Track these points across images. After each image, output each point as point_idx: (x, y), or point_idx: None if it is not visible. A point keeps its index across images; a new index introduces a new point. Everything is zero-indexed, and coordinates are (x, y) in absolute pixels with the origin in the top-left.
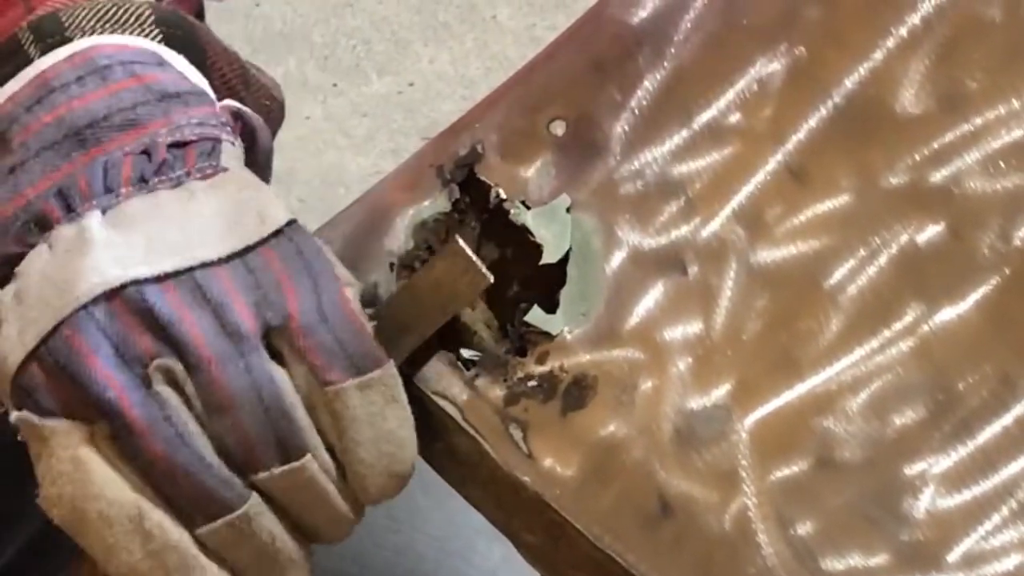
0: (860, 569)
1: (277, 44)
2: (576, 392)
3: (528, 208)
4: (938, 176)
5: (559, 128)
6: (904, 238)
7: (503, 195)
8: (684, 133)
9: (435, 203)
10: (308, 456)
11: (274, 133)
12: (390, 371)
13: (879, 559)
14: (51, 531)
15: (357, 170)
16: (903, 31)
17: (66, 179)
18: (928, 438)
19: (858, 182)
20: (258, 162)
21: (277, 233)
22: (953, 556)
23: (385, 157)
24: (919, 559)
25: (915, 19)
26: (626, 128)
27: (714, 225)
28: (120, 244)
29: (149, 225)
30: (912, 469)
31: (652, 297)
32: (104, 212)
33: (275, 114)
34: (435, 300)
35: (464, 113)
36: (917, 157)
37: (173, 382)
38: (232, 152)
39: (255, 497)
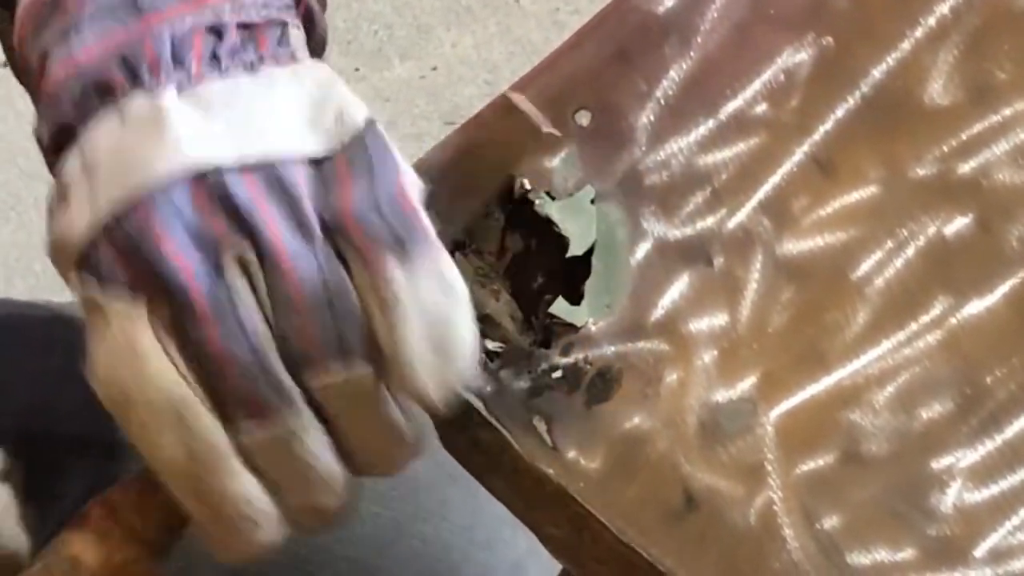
0: (886, 564)
1: None
2: (600, 384)
3: (553, 199)
4: (966, 168)
5: (584, 118)
6: (932, 230)
7: (528, 186)
8: (710, 123)
9: None
10: (368, 368)
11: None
12: (439, 252)
13: (905, 554)
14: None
15: None
16: (932, 21)
17: (128, 47)
18: (955, 432)
19: (885, 173)
20: (315, 51)
21: (355, 134)
22: (980, 551)
23: (407, 142)
24: (946, 554)
25: (944, 9)
26: (652, 118)
27: (740, 216)
28: (200, 126)
29: (229, 111)
30: (939, 463)
31: (677, 289)
32: (179, 90)
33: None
34: (493, 156)
35: (488, 101)
36: (945, 148)
37: (246, 274)
38: (299, 38)
39: (306, 411)
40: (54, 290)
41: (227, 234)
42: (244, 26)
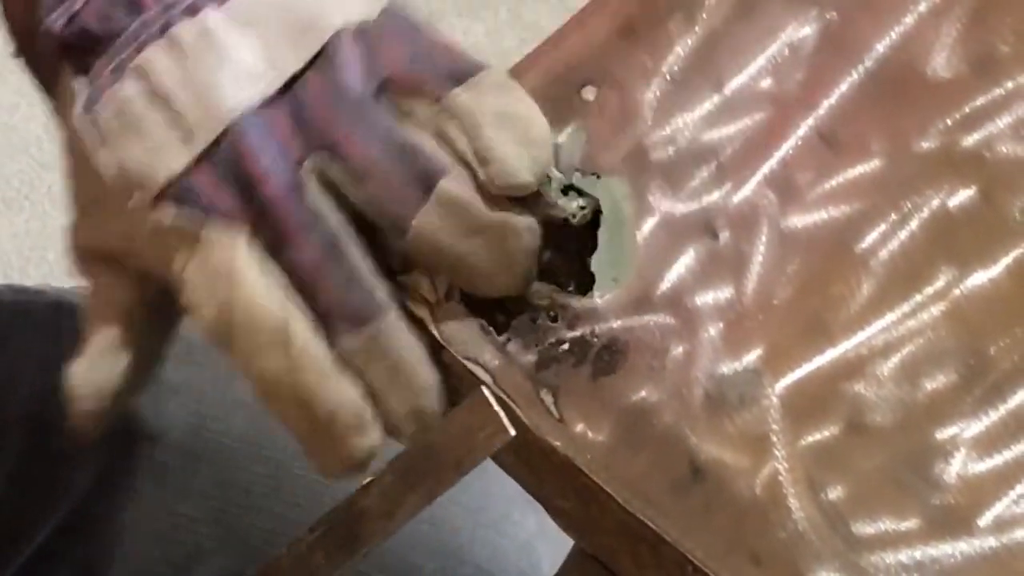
0: (891, 533)
1: None
2: (607, 357)
3: (560, 174)
4: (970, 140)
5: (590, 94)
6: (936, 202)
7: None
8: (716, 98)
9: None
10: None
11: None
12: (496, 71)
13: (910, 523)
14: (90, 509)
15: None
16: None
17: None
18: (959, 402)
19: (889, 147)
20: None
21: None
22: (984, 520)
23: None
24: (950, 523)
25: None
26: (657, 94)
27: (745, 190)
28: (254, 43)
29: (269, 14)
30: (943, 433)
31: (683, 263)
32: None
33: None
34: (450, 456)
35: None
36: (949, 121)
37: (326, 183)
38: None
39: (395, 310)
40: (67, 278)
41: (301, 145)
42: None
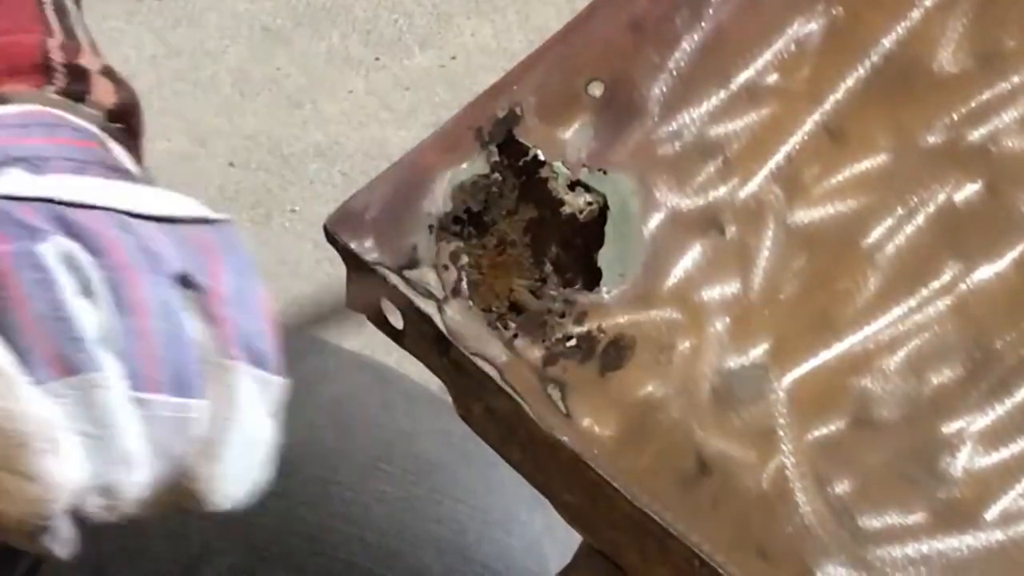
0: (898, 527)
1: (320, 18)
2: (614, 352)
3: (567, 169)
4: (976, 135)
5: (597, 89)
6: (942, 197)
7: (542, 157)
8: (722, 94)
9: (473, 165)
10: (195, 402)
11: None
12: (283, 383)
13: (917, 517)
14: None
15: (399, 144)
16: None
17: None
18: (965, 397)
19: (896, 141)
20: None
21: (212, 222)
22: (991, 514)
23: (427, 131)
24: (957, 517)
25: None
26: (664, 89)
27: (752, 185)
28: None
29: (77, 180)
30: (950, 428)
31: (690, 258)
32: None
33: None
34: None
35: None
36: (955, 116)
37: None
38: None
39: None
40: None
41: (50, 229)
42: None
